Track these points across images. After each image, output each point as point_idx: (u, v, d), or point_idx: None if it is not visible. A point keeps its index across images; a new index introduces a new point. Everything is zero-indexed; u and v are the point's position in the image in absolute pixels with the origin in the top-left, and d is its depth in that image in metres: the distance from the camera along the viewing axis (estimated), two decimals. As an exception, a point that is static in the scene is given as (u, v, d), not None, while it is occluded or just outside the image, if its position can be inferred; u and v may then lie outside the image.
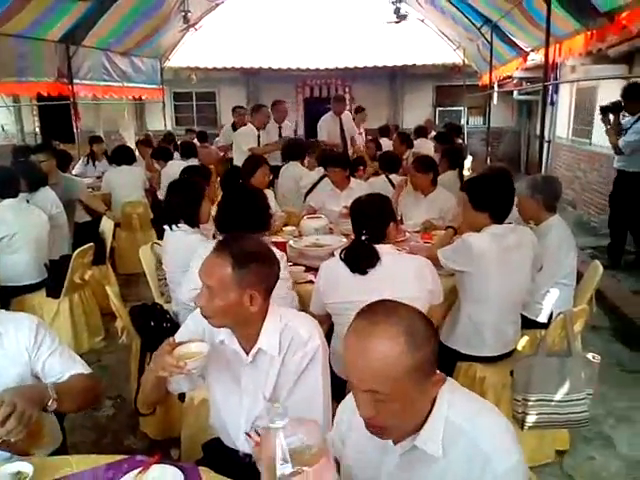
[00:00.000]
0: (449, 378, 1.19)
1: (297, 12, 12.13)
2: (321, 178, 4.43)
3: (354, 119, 7.43)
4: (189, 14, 7.73)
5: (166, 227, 2.87)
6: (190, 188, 2.94)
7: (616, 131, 4.90)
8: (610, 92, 6.59)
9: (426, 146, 7.07)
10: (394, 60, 11.18)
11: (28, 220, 3.50)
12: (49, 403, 1.45)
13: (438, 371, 1.13)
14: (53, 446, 1.76)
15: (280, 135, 6.30)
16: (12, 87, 6.17)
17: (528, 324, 2.89)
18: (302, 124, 11.91)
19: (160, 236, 5.36)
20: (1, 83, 5.84)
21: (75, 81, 6.86)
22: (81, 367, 1.66)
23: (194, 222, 2.84)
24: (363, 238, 2.23)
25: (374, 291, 2.14)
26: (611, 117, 4.99)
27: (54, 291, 3.52)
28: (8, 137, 11.99)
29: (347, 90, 12.06)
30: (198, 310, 1.55)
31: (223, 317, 1.48)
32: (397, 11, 7.16)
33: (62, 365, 1.62)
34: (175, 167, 5.06)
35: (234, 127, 6.85)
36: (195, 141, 8.17)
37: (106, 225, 4.32)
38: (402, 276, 2.19)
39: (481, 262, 2.42)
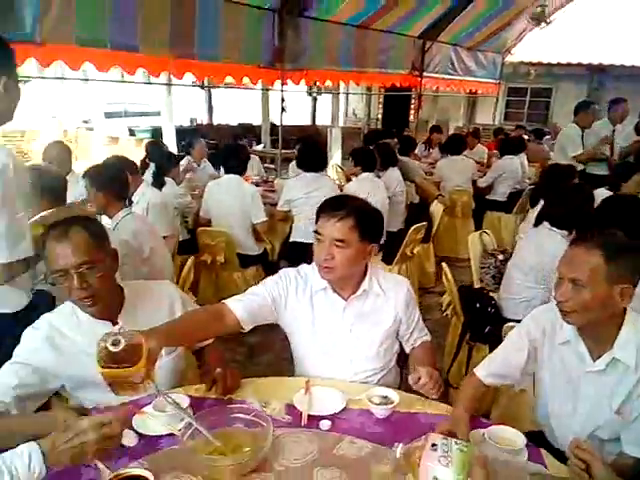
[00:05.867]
0: None
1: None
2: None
3: None
4: (545, 8, 7.50)
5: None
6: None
7: None
8: None
9: None
10: None
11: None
12: None
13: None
14: None
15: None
16: (372, 77, 7.07)
17: None
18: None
19: (478, 226, 5.48)
20: (365, 73, 6.75)
21: (424, 74, 7.47)
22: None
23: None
24: None
25: None
26: None
27: (388, 257, 3.97)
28: (357, 121, 14.12)
29: None
30: None
31: (585, 314, 1.43)
32: None
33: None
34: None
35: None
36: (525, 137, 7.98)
37: (436, 208, 4.64)
38: None
39: None
